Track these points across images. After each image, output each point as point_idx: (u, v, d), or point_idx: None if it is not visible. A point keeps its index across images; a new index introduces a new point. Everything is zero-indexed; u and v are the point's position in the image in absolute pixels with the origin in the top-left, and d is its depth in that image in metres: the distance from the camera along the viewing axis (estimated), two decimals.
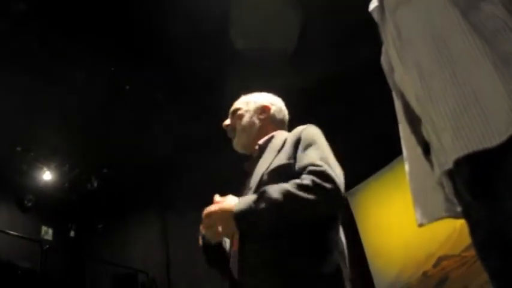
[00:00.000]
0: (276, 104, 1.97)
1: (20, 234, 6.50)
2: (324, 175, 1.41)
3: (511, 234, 0.88)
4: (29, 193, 7.02)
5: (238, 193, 1.67)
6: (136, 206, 7.29)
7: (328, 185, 1.40)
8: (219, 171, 5.66)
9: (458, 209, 1.09)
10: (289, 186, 1.40)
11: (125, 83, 5.37)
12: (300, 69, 5.06)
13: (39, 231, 7.31)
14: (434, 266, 4.88)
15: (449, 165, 0.98)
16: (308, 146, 1.56)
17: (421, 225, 1.18)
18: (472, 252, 4.44)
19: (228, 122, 1.95)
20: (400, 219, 5.00)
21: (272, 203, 1.38)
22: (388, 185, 5.39)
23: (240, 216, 1.41)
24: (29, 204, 7.05)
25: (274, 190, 1.40)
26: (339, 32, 4.69)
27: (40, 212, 7.29)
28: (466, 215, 1.04)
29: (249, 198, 1.44)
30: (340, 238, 1.53)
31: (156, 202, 7.39)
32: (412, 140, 1.18)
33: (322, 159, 1.49)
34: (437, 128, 1.01)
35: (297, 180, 1.42)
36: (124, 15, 4.61)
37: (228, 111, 1.99)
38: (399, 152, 1.25)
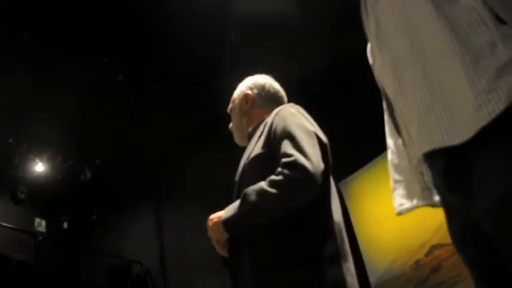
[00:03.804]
0: (256, 85, 1.93)
1: (13, 226, 6.49)
2: (294, 165, 1.40)
3: (482, 226, 0.89)
4: (22, 185, 7.00)
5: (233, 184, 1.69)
6: (130, 196, 7.28)
7: (298, 175, 1.38)
8: (213, 161, 5.66)
9: (436, 198, 1.10)
10: (264, 184, 1.43)
11: (117, 73, 5.34)
12: (293, 61, 5.04)
13: (33, 223, 7.30)
14: (427, 254, 4.91)
15: (417, 158, 1.01)
16: (280, 134, 1.53)
17: (399, 213, 1.20)
18: None
19: (230, 124, 1.99)
20: (393, 208, 5.02)
21: (252, 205, 1.43)
22: (381, 174, 5.40)
23: (228, 223, 1.49)
24: (22, 196, 7.04)
25: (252, 191, 1.44)
26: (333, 22, 4.68)
27: (33, 204, 7.28)
28: (443, 204, 1.06)
29: (235, 204, 1.50)
30: (326, 217, 1.50)
31: (150, 193, 7.38)
32: (394, 130, 1.19)
33: (294, 147, 1.46)
34: (406, 121, 1.02)
35: (272, 177, 1.44)
36: (117, 5, 4.57)
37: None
38: None
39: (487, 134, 0.84)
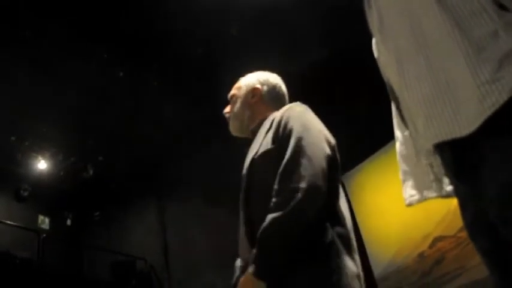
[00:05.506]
0: (267, 82, 1.93)
1: (17, 224, 6.51)
2: (299, 179, 1.40)
3: (491, 218, 0.89)
4: (25, 183, 7.02)
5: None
6: (133, 193, 7.30)
7: (304, 194, 1.38)
8: (216, 157, 5.67)
9: (448, 188, 1.10)
10: (272, 214, 1.39)
11: (118, 69, 5.33)
12: (294, 55, 5.03)
13: (36, 221, 7.32)
14: (430, 246, 4.92)
15: (425, 151, 1.01)
16: (289, 132, 1.54)
17: (409, 205, 1.19)
18: None
19: (227, 109, 1.96)
20: (396, 200, 4.98)
21: (272, 243, 1.39)
22: (384, 167, 5.41)
23: (263, 275, 1.39)
24: (25, 193, 7.06)
25: (266, 231, 1.40)
26: (333, 14, 4.66)
27: (36, 202, 7.30)
28: (456, 195, 1.06)
29: (255, 253, 1.42)
30: (334, 215, 1.49)
31: (153, 189, 7.39)
32: (401, 122, 1.19)
33: (300, 151, 1.46)
34: (412, 114, 1.02)
35: (277, 199, 1.41)
36: (117, 0, 4.56)
37: (225, 97, 2.00)
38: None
39: (492, 125, 0.84)
